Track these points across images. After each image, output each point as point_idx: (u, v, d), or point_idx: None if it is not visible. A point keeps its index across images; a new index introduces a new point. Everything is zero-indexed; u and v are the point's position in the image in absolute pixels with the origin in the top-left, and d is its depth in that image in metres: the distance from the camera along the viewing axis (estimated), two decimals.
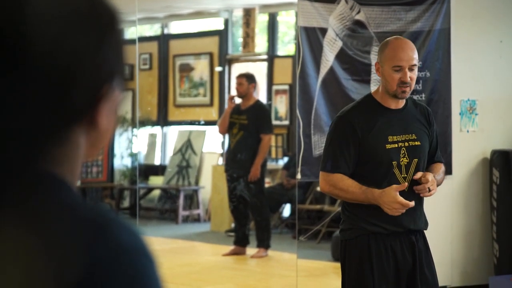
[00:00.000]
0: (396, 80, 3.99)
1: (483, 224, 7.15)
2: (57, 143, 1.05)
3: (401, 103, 4.11)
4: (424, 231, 4.14)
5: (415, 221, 4.05)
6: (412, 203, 3.93)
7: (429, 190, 4.02)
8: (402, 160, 4.02)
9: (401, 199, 3.89)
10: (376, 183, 3.97)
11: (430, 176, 4.01)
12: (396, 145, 4.03)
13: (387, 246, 3.99)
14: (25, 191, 1.02)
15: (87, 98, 1.06)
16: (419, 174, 4.02)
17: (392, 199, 3.89)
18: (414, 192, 4.04)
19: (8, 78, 1.01)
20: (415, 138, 4.08)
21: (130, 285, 1.00)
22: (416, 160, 4.05)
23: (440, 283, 4.55)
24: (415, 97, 6.72)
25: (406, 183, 3.97)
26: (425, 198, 4.14)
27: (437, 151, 4.24)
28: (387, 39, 4.16)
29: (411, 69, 4.02)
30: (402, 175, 4.02)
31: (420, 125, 4.13)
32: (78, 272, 0.97)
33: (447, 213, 6.98)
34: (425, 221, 4.13)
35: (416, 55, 4.07)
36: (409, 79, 3.99)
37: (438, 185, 4.15)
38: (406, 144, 4.04)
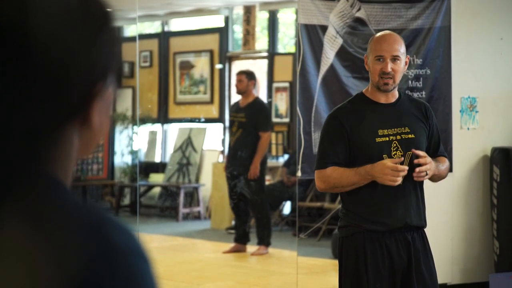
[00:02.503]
0: (378, 71, 4.00)
1: (483, 222, 7.14)
2: (51, 141, 1.05)
3: (393, 98, 4.10)
4: (425, 229, 4.11)
5: (411, 216, 4.01)
6: (406, 167, 3.89)
7: (426, 174, 3.97)
8: (395, 154, 4.00)
9: (390, 163, 3.85)
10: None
11: (429, 159, 3.98)
12: (387, 139, 4.00)
13: (382, 244, 3.98)
14: (23, 190, 1.02)
15: (81, 95, 1.05)
16: (420, 153, 3.97)
17: (382, 165, 3.86)
18: (412, 186, 4.03)
19: (6, 76, 1.01)
20: (408, 131, 4.05)
21: (125, 286, 0.99)
22: (410, 153, 4.01)
23: (441, 281, 4.54)
24: (415, 94, 6.73)
25: (402, 158, 3.95)
26: (425, 196, 4.13)
27: (440, 146, 4.20)
28: (376, 34, 4.19)
29: (394, 60, 4.01)
30: None
31: (415, 119, 4.10)
32: (74, 272, 0.97)
33: (447, 211, 6.97)
34: (424, 218, 4.09)
35: (401, 48, 4.05)
36: (390, 69, 3.98)
37: (441, 177, 4.13)
38: (398, 137, 4.01)
